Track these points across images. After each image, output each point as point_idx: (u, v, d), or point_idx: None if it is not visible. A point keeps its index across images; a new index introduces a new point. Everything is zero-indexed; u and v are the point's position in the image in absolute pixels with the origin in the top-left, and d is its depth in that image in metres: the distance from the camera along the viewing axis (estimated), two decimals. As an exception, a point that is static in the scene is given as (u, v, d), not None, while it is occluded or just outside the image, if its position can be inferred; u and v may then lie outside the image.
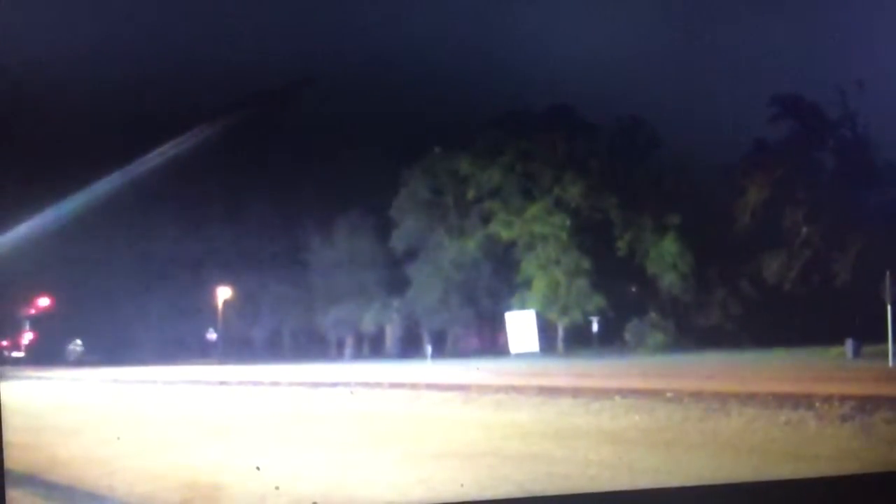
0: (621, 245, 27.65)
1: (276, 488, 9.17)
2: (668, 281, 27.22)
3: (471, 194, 28.35)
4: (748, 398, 13.45)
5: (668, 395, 14.22)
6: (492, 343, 28.22)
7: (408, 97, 23.40)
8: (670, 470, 9.93)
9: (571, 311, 27.29)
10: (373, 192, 27.67)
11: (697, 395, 14.01)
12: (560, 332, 27.59)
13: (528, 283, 27.80)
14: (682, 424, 12.76)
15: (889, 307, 19.82)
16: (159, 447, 12.00)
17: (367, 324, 28.94)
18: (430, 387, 17.64)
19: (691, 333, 27.10)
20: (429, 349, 27.73)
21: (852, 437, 11.39)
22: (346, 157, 26.19)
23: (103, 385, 22.01)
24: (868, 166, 26.70)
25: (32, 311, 25.94)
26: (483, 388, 16.59)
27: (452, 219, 28.89)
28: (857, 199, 26.07)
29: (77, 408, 17.42)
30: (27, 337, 26.12)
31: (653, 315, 27.22)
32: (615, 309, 27.23)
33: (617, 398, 14.54)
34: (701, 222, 27.06)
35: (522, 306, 27.47)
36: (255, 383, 20.69)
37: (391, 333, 29.12)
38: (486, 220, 28.36)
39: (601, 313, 27.16)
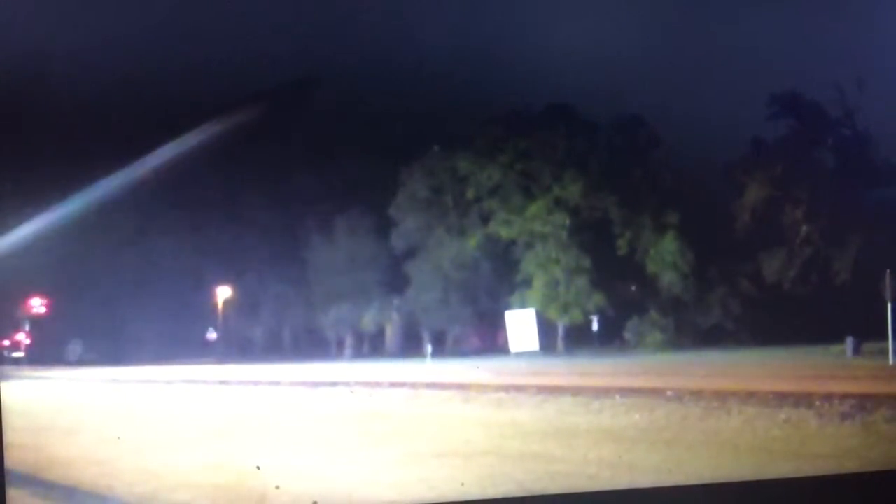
0: (621, 244, 27.65)
1: (277, 487, 9.17)
2: (668, 279, 27.22)
3: (470, 193, 28.34)
4: (748, 397, 13.45)
5: (669, 393, 14.22)
6: (492, 342, 28.21)
7: (407, 96, 23.40)
8: (670, 469, 9.93)
9: (571, 310, 27.28)
10: (372, 191, 27.66)
11: (697, 394, 14.01)
12: (560, 331, 27.59)
13: (527, 282, 27.79)
14: (682, 423, 12.76)
15: (889, 305, 19.82)
16: (159, 447, 12.00)
17: (367, 323, 28.93)
18: (430, 386, 17.64)
19: (691, 332, 27.11)
20: (429, 348, 27.73)
21: (852, 436, 11.39)
22: (345, 156, 26.20)
23: (103, 385, 22.01)
24: (868, 165, 26.70)
25: (32, 311, 25.92)
26: (483, 387, 16.60)
27: (452, 218, 28.88)
28: (857, 198, 26.07)
29: (77, 408, 17.42)
30: (27, 337, 26.11)
31: (653, 314, 27.22)
32: (615, 308, 27.23)
33: (617, 397, 14.54)
34: (701, 221, 27.06)
35: (522, 305, 27.46)
36: (255, 383, 20.69)
37: (391, 332, 29.12)
38: (485, 218, 28.35)
39: (601, 312, 27.16)
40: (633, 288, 27.98)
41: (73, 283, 25.12)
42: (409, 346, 28.57)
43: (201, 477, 10.01)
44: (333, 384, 19.05)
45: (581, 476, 9.61)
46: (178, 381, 21.58)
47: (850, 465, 9.90)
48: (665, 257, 27.26)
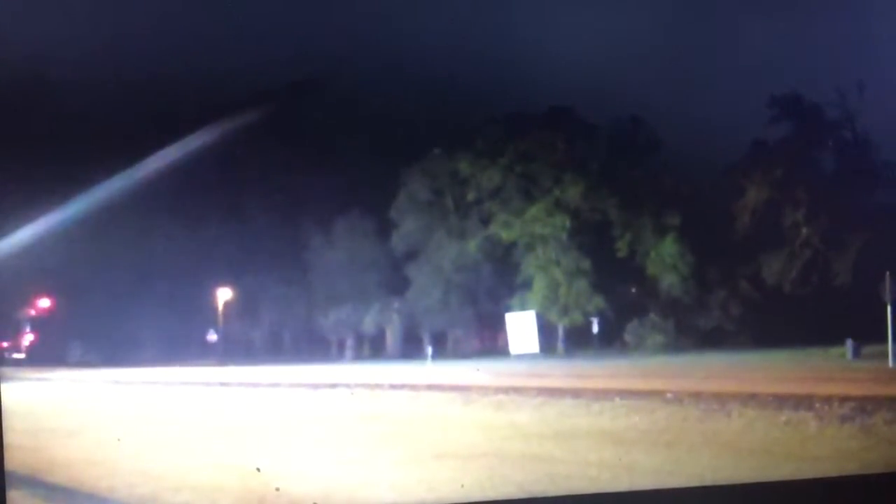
0: (621, 246, 27.66)
1: (277, 489, 9.17)
2: (668, 281, 27.23)
3: (471, 195, 28.36)
4: (748, 399, 13.44)
5: (669, 395, 14.22)
6: (492, 344, 28.22)
7: (408, 98, 23.45)
8: (670, 471, 9.93)
9: (571, 312, 27.29)
10: (373, 192, 27.69)
11: (697, 396, 14.01)
12: (560, 333, 27.59)
13: (528, 284, 27.80)
14: (683, 425, 12.75)
15: (889, 307, 19.83)
16: (159, 448, 12.00)
17: (368, 325, 28.95)
18: (430, 388, 17.64)
19: (691, 334, 27.11)
20: (429, 350, 27.73)
21: (852, 438, 11.38)
22: (346, 158, 26.24)
23: (104, 386, 22.01)
24: (868, 167, 26.72)
25: (33, 313, 25.95)
26: (483, 389, 16.59)
27: (452, 220, 28.90)
28: (857, 200, 26.08)
29: (77, 409, 17.41)
30: (28, 338, 26.13)
31: (653, 316, 27.22)
32: (615, 310, 27.23)
33: (617, 399, 14.54)
34: (701, 223, 27.07)
35: (523, 307, 27.47)
36: (256, 384, 20.69)
37: (391, 334, 29.12)
38: (486, 221, 28.37)
39: (601, 314, 27.17)
40: (634, 290, 27.99)
41: (73, 284, 25.15)
42: (410, 348, 28.57)
43: (201, 478, 10.02)
44: (334, 386, 19.04)
45: (581, 478, 9.62)
46: (179, 382, 21.58)
47: (850, 468, 9.90)
48: (665, 259, 27.27)
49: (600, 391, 15.18)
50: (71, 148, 20.93)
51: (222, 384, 21.07)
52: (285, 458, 11.18)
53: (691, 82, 23.81)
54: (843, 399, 12.69)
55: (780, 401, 13.13)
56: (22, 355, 25.90)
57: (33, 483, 9.76)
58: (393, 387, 18.30)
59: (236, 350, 27.89)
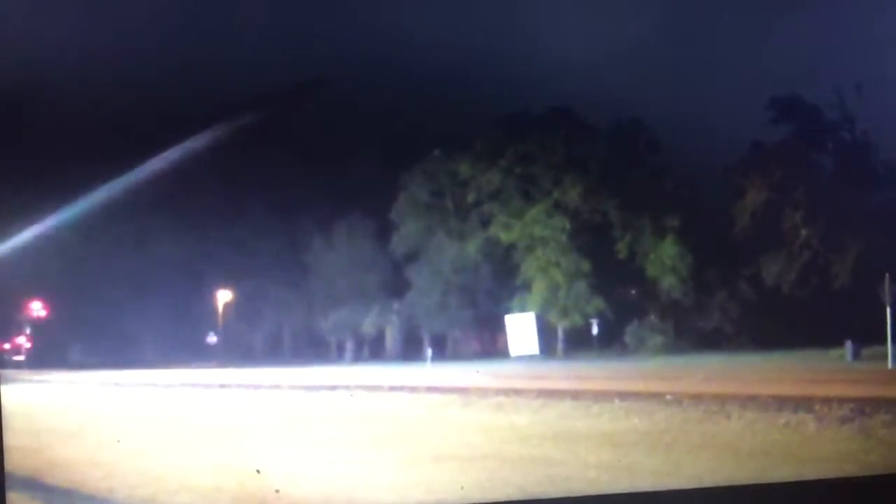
0: (621, 247, 27.67)
1: (277, 491, 9.18)
2: (668, 283, 27.24)
3: (470, 197, 28.37)
4: (748, 400, 13.45)
5: (668, 397, 14.23)
6: (492, 346, 28.22)
7: (407, 100, 23.44)
8: (670, 472, 9.94)
9: (571, 314, 27.29)
10: (372, 194, 27.69)
11: (697, 398, 14.02)
12: (560, 335, 27.59)
13: (527, 286, 27.81)
14: (682, 427, 12.76)
15: (888, 309, 19.83)
16: (159, 450, 12.01)
17: (367, 327, 28.95)
18: (430, 389, 17.65)
19: (691, 336, 27.11)
20: (429, 352, 27.73)
21: (852, 440, 11.39)
22: (345, 159, 26.23)
23: (103, 388, 22.02)
24: (867, 168, 26.73)
25: (33, 315, 25.94)
26: (483, 391, 16.60)
27: (452, 221, 28.91)
28: (856, 201, 26.08)
29: (77, 411, 17.42)
30: (28, 340, 26.12)
31: (652, 317, 27.22)
32: (615, 311, 27.24)
33: (617, 401, 14.55)
34: (700, 224, 27.08)
35: (522, 309, 27.47)
36: (256, 386, 20.69)
37: (391, 336, 29.12)
38: (485, 222, 28.38)
39: (601, 316, 27.17)
40: (633, 292, 27.99)
41: (73, 286, 25.15)
42: (410, 350, 28.57)
43: (201, 480, 10.03)
44: (333, 388, 19.05)
45: (581, 480, 9.62)
46: (179, 384, 21.59)
47: (850, 469, 9.91)
48: (665, 261, 27.27)
49: (600, 393, 15.19)
50: (69, 150, 20.94)
51: (222, 386, 21.07)
52: (285, 459, 11.18)
53: (691, 84, 23.82)
54: (843, 401, 12.70)
55: (780, 402, 13.14)
56: (22, 357, 25.89)
57: (33, 484, 9.77)
58: (392, 388, 18.31)
59: (236, 352, 27.89)
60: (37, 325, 26.09)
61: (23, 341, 26.01)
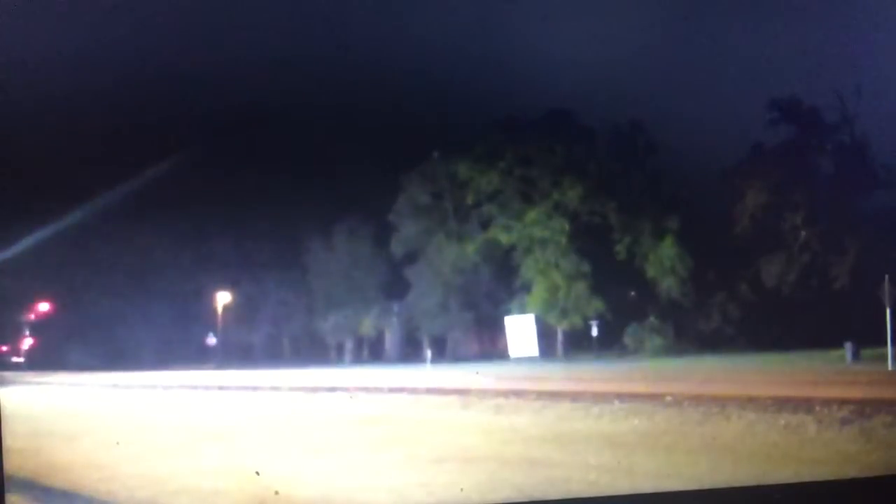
0: (620, 249, 27.69)
1: (276, 493, 9.16)
2: (667, 285, 27.25)
3: (470, 199, 28.40)
4: (747, 402, 13.42)
5: (668, 398, 14.20)
6: (491, 347, 28.24)
7: (407, 103, 23.49)
8: (670, 474, 9.92)
9: (571, 315, 27.30)
10: (372, 197, 27.75)
11: (697, 399, 13.99)
12: (559, 336, 27.61)
13: (527, 288, 27.83)
14: (682, 428, 12.73)
15: (888, 311, 19.83)
16: (159, 452, 11.98)
17: (367, 328, 28.97)
18: (429, 391, 17.63)
19: (690, 337, 27.12)
20: (428, 353, 27.74)
21: (852, 441, 11.37)
22: (345, 162, 26.27)
23: (103, 390, 21.99)
24: (866, 170, 26.75)
25: (33, 317, 25.95)
26: (483, 393, 16.58)
27: (451, 223, 28.93)
28: (856, 204, 26.13)
29: (77, 413, 17.39)
30: (27, 342, 26.12)
31: (652, 319, 27.23)
32: (614, 313, 27.25)
33: (616, 402, 14.52)
34: (700, 226, 27.11)
35: (522, 310, 27.48)
36: (255, 388, 20.67)
37: (391, 338, 29.14)
38: (485, 224, 28.41)
39: (600, 317, 27.18)
40: (633, 293, 28.01)
41: (73, 289, 25.17)
42: (409, 352, 28.59)
43: (201, 482, 10.00)
44: (333, 389, 19.03)
45: (580, 481, 9.60)
46: (178, 386, 21.56)
47: (850, 471, 9.89)
48: (664, 262, 27.29)
49: (599, 394, 15.16)
50: (71, 155, 20.96)
51: (221, 388, 21.05)
52: (285, 461, 11.16)
53: (690, 87, 23.90)
54: (843, 402, 12.67)
55: (780, 404, 13.12)
56: (22, 359, 25.89)
57: (32, 487, 9.75)
58: (392, 390, 18.29)
59: (235, 353, 27.91)
60: (36, 327, 26.10)
61: (23, 343, 26.01)
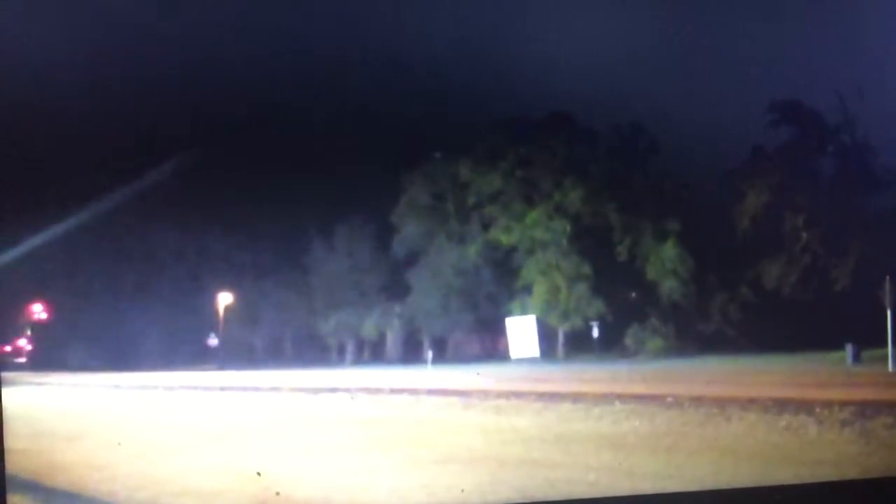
0: (621, 250, 27.70)
1: (277, 493, 9.18)
2: (669, 286, 27.25)
3: (471, 200, 28.41)
4: (748, 403, 13.44)
5: (669, 400, 14.22)
6: (492, 348, 28.23)
7: (408, 103, 23.50)
8: (671, 475, 9.93)
9: (572, 317, 27.30)
10: (373, 198, 27.75)
11: (698, 400, 14.01)
12: (560, 338, 27.60)
13: (528, 289, 27.83)
14: (683, 429, 12.74)
15: (889, 312, 19.84)
16: (160, 452, 12.00)
17: (368, 329, 28.97)
18: (430, 392, 17.64)
19: (691, 338, 27.11)
20: (429, 354, 27.74)
21: (852, 442, 11.38)
22: (346, 163, 26.28)
23: (104, 390, 22.01)
24: (867, 172, 26.74)
25: (34, 318, 25.97)
26: (484, 394, 16.59)
27: (453, 224, 28.94)
28: (857, 205, 26.12)
29: (78, 413, 17.41)
30: (29, 343, 26.15)
31: (653, 320, 27.23)
32: (615, 314, 27.24)
33: (617, 403, 14.53)
34: (701, 228, 27.11)
35: (523, 312, 27.49)
36: (256, 389, 20.69)
37: (392, 339, 29.14)
38: (486, 225, 28.41)
39: (601, 318, 27.18)
40: (634, 294, 28.00)
41: (74, 289, 25.19)
42: (410, 353, 28.58)
43: (202, 482, 10.02)
44: (334, 390, 19.05)
45: (581, 482, 9.62)
46: (179, 386, 21.58)
47: (851, 472, 9.90)
48: (665, 264, 27.29)
49: (600, 395, 15.18)
50: (72, 156, 20.99)
51: (223, 388, 21.07)
52: (286, 462, 11.18)
53: (691, 88, 23.89)
54: (843, 403, 12.69)
55: (781, 405, 13.13)
56: (23, 360, 25.92)
57: (34, 487, 9.77)
58: (393, 391, 18.30)
59: (237, 354, 27.91)
60: (38, 327, 26.13)
61: (24, 344, 26.04)
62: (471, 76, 22.86)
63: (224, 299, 27.42)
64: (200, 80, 20.75)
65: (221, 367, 26.40)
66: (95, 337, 26.45)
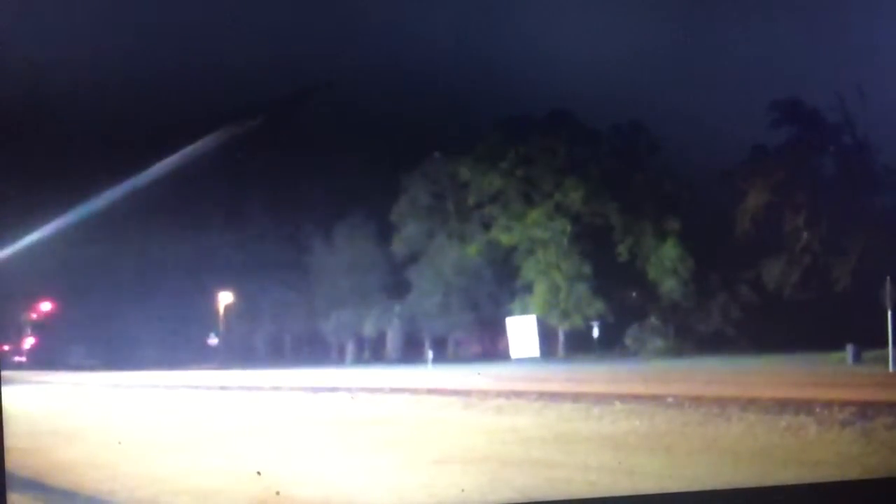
0: (622, 250, 27.66)
1: (277, 493, 9.19)
2: (669, 286, 27.23)
3: (471, 199, 28.37)
4: (749, 403, 13.46)
5: (669, 399, 14.23)
6: (493, 348, 28.20)
7: (408, 102, 23.45)
8: (671, 475, 9.94)
9: (572, 316, 27.29)
10: (373, 197, 27.69)
11: (698, 400, 14.02)
12: (561, 337, 27.58)
13: (528, 288, 27.81)
14: (683, 429, 12.75)
15: (890, 312, 19.83)
16: (160, 452, 12.01)
17: (368, 328, 28.94)
18: (430, 391, 17.66)
19: (692, 338, 27.10)
20: (430, 354, 27.73)
21: (853, 443, 11.39)
22: (346, 162, 26.23)
23: (104, 389, 22.03)
24: (869, 171, 26.70)
25: (34, 316, 25.95)
26: (484, 393, 16.61)
27: (453, 224, 28.91)
28: (858, 204, 26.08)
29: (78, 412, 17.43)
30: (29, 341, 26.12)
31: (653, 320, 27.21)
32: (616, 314, 27.23)
33: (617, 403, 14.54)
34: (701, 227, 27.08)
35: (523, 311, 27.46)
36: (256, 388, 20.71)
37: (392, 338, 29.11)
38: (486, 225, 28.38)
39: (602, 318, 27.16)
40: (634, 294, 27.98)
41: (74, 287, 25.14)
42: (410, 352, 28.55)
43: (202, 482, 10.04)
44: (334, 389, 19.07)
45: (581, 482, 9.62)
46: (180, 385, 21.61)
47: (851, 472, 9.91)
48: (666, 263, 27.27)
49: (601, 395, 15.19)
50: (72, 151, 20.96)
51: (223, 388, 21.09)
52: (286, 461, 11.18)
53: (692, 86, 23.83)
54: (844, 404, 12.69)
55: (781, 405, 13.14)
56: (23, 358, 25.90)
57: (34, 486, 9.78)
58: (393, 390, 18.31)
59: (237, 353, 27.87)
60: (38, 326, 26.10)
61: (24, 342, 26.03)
62: (471, 75, 22.81)
63: (224, 299, 27.39)
64: (201, 79, 20.72)
65: (222, 366, 26.38)
66: (95, 335, 26.40)
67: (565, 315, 27.36)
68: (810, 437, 11.63)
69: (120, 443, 12.16)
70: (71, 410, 17.65)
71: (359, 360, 29.47)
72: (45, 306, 26.13)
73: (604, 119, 27.89)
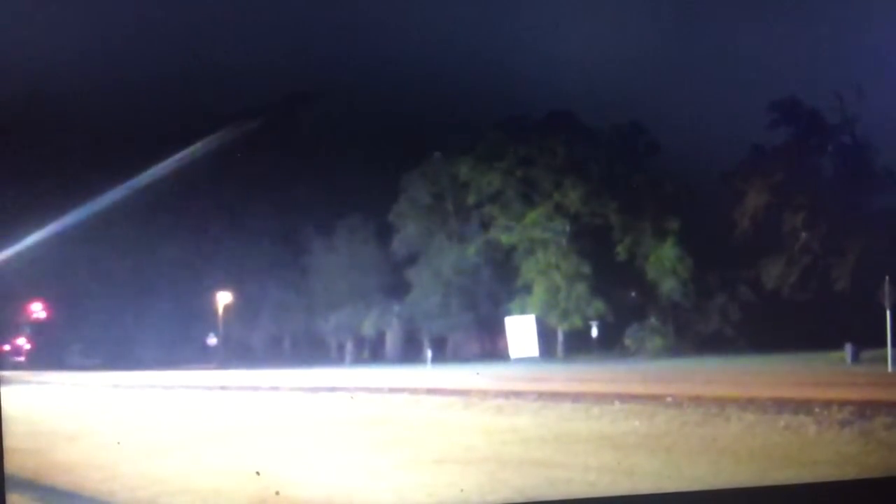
0: (621, 250, 27.69)
1: (277, 493, 9.19)
2: (668, 286, 27.25)
3: (471, 199, 28.39)
4: (747, 403, 13.46)
5: (668, 399, 14.24)
6: (492, 348, 28.23)
7: (408, 102, 23.48)
8: (670, 475, 9.95)
9: (571, 316, 27.31)
10: (373, 197, 27.73)
11: (697, 400, 14.03)
12: (560, 337, 27.60)
13: (528, 288, 27.82)
14: (682, 429, 12.76)
15: (888, 312, 19.86)
16: (160, 452, 12.02)
17: (368, 328, 28.96)
18: (430, 392, 17.65)
19: (691, 338, 27.13)
20: (429, 354, 27.75)
21: (851, 442, 11.40)
22: (346, 162, 26.27)
23: (104, 390, 22.03)
24: (867, 172, 26.74)
25: (33, 317, 25.95)
26: (483, 393, 16.61)
27: (452, 224, 28.94)
28: (856, 205, 26.11)
29: (77, 413, 17.42)
30: (28, 342, 26.13)
31: (652, 320, 27.24)
32: (615, 314, 27.25)
33: (617, 403, 14.55)
34: (700, 227, 27.11)
35: (522, 311, 27.48)
36: (255, 388, 20.70)
37: (391, 338, 29.13)
38: (486, 225, 28.40)
39: (601, 318, 27.18)
40: (633, 294, 28.01)
41: (73, 288, 25.17)
42: (410, 352, 28.57)
43: (201, 482, 10.04)
44: (333, 390, 19.06)
45: (580, 482, 9.63)
46: (179, 386, 21.60)
47: (850, 472, 9.92)
48: (665, 263, 27.29)
49: (600, 395, 15.19)
50: (71, 153, 20.97)
51: (222, 388, 21.08)
52: (285, 461, 11.19)
53: (691, 87, 23.87)
54: (843, 403, 12.70)
55: (780, 405, 13.15)
56: (22, 359, 25.90)
57: (33, 486, 9.78)
58: (392, 390, 18.31)
59: (236, 353, 27.89)
60: (37, 326, 26.10)
61: (23, 343, 26.03)
62: (471, 76, 22.83)
63: (223, 298, 27.40)
64: (200, 79, 20.74)
65: (221, 367, 26.39)
66: (94, 336, 26.43)
67: (564, 315, 27.38)
68: (809, 436, 11.65)
69: (119, 443, 12.16)
70: (70, 411, 17.64)
71: (358, 359, 29.48)
72: (44, 307, 26.14)
73: (603, 120, 27.97)
